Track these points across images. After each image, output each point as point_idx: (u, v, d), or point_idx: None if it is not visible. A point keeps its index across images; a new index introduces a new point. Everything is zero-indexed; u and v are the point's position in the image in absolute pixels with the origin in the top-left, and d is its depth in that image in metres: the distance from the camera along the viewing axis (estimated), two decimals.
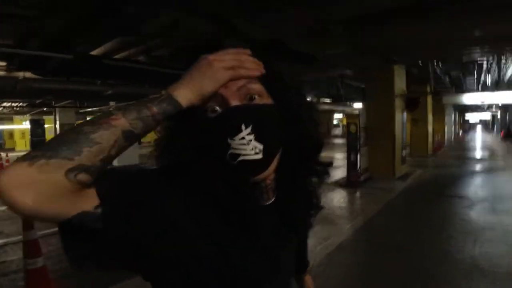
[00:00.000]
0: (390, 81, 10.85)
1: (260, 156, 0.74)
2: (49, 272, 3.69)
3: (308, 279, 1.28)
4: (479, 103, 19.84)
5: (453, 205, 7.82)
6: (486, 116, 52.83)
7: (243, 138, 0.73)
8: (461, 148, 23.99)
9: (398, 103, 11.25)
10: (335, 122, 44.47)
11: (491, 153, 20.36)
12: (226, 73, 0.72)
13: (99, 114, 0.70)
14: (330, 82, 15.49)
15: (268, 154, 0.76)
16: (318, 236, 5.47)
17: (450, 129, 32.08)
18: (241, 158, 0.73)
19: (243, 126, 0.73)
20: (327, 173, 0.92)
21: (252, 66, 0.74)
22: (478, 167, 14.32)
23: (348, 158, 10.05)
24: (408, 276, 4.26)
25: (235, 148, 0.73)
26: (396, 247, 5.26)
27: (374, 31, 6.92)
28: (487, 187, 9.73)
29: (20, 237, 3.96)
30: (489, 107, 37.92)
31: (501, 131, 35.13)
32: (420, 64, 11.15)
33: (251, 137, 0.73)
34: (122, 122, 0.64)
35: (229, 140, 0.73)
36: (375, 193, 9.00)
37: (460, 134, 39.54)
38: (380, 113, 10.93)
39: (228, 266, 0.74)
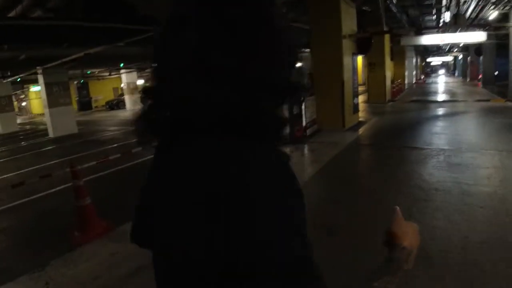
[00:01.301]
0: (337, 20, 9.52)
1: None
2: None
3: None
4: (439, 43, 18.83)
5: (402, 161, 6.86)
6: (449, 58, 52.83)
7: None
8: (422, 92, 23.33)
9: (348, 45, 10.01)
10: None
11: (451, 96, 19.74)
12: None
13: None
14: None
15: None
16: None
17: (411, 72, 31.46)
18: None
19: None
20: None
21: None
22: (436, 111, 13.54)
23: (290, 110, 8.86)
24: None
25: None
26: (323, 225, 4.21)
27: None
28: (443, 135, 8.86)
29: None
30: (451, 49, 37.45)
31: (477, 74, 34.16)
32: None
33: None
34: None
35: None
36: (319, 149, 7.96)
37: (422, 77, 39.06)
38: (327, 57, 9.67)
39: None
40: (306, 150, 8.01)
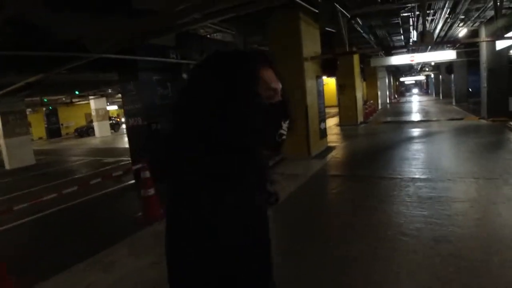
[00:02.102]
0: (297, 42, 8.93)
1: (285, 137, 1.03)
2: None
3: None
4: (408, 62, 18.62)
5: (368, 195, 6.12)
6: (422, 77, 53.68)
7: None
8: (395, 113, 23.04)
9: (311, 67, 9.40)
10: None
11: (425, 115, 19.42)
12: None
13: None
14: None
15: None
16: None
17: (384, 93, 31.45)
18: (283, 137, 1.01)
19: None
20: None
21: None
22: (409, 133, 13.02)
23: None
24: None
25: (283, 129, 1.01)
26: None
27: None
28: (414, 161, 8.21)
29: None
30: (423, 68, 37.87)
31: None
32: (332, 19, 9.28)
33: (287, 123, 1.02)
34: None
35: (282, 123, 1.00)
36: (280, 181, 7.16)
37: (395, 97, 39.22)
38: (288, 80, 8.85)
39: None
40: None
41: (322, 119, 10.25)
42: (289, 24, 8.99)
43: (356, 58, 16.64)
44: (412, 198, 5.47)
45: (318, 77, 10.02)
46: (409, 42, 16.65)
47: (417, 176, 6.71)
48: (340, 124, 16.64)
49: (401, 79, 53.76)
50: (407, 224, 4.49)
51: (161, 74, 8.66)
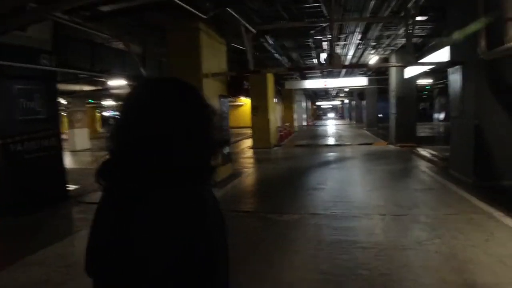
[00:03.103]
0: (196, 56, 7.88)
1: None
2: None
3: None
4: (322, 86, 18.64)
5: (258, 241, 5.09)
6: (337, 102, 56.15)
7: None
8: (309, 136, 23.00)
9: (213, 85, 8.38)
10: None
11: (337, 139, 19.46)
12: None
13: None
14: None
15: None
16: None
17: (300, 116, 31.75)
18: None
19: None
20: None
21: None
22: (319, 158, 12.55)
23: None
24: None
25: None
26: None
27: None
28: (319, 192, 7.47)
29: None
30: (337, 94, 39.30)
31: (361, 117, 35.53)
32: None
33: None
34: None
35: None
36: None
37: (312, 120, 40.07)
38: None
39: None
40: None
41: (226, 142, 9.20)
42: (188, 35, 7.93)
43: (270, 79, 16.10)
44: (311, 243, 4.55)
45: (222, 96, 9.02)
46: (320, 63, 16.56)
47: (321, 212, 5.88)
48: (254, 147, 15.84)
49: (318, 103, 55.73)
50: (299, 285, 3.50)
51: (27, 83, 7.00)
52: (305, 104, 36.65)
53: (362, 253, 4.14)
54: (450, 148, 8.74)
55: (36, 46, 7.10)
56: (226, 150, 9.18)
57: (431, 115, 31.17)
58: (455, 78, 8.07)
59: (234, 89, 9.37)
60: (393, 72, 14.63)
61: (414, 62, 8.52)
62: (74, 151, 18.62)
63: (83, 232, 5.39)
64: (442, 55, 9.04)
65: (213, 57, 8.54)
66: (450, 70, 8.32)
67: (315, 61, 15.80)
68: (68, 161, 15.86)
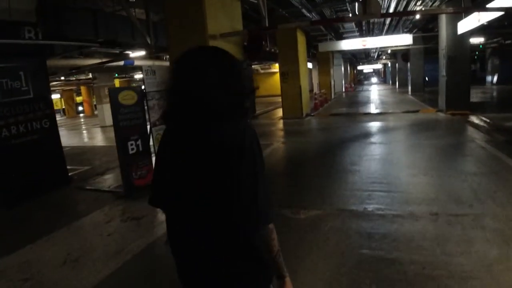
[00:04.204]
0: (199, 10, 6.52)
1: None
2: None
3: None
4: (360, 47, 16.64)
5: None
6: (379, 66, 52.73)
7: None
8: (348, 103, 21.13)
9: (225, 47, 6.99)
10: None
11: (378, 107, 17.58)
12: None
13: None
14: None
15: None
16: None
17: (339, 81, 29.69)
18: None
19: None
20: None
21: None
22: (356, 129, 11.00)
23: (122, 150, 5.69)
24: None
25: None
26: None
27: None
28: (352, 177, 6.09)
29: None
30: (379, 56, 36.49)
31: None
32: None
33: None
34: None
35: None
36: (153, 213, 4.82)
37: (351, 86, 37.63)
38: None
39: None
40: (140, 213, 4.84)
41: None
42: None
43: (301, 41, 14.44)
44: (329, 264, 3.26)
45: (241, 61, 7.66)
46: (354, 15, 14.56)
47: (351, 207, 4.54)
48: (284, 117, 14.47)
49: (359, 68, 52.69)
50: None
51: (9, 61, 6.01)
52: (344, 68, 34.31)
53: (403, 284, 2.83)
54: None
55: (17, 18, 6.11)
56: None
57: (482, 78, 28.13)
58: None
59: (252, 53, 7.95)
60: (443, 27, 12.51)
61: (475, 7, 6.67)
62: (104, 127, 18.13)
63: (62, 231, 4.45)
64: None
65: (223, 15, 7.17)
66: None
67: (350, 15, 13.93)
68: (98, 138, 15.38)
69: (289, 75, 13.99)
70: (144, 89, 5.88)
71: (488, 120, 9.71)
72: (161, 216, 4.56)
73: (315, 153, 8.13)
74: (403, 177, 5.74)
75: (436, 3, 11.98)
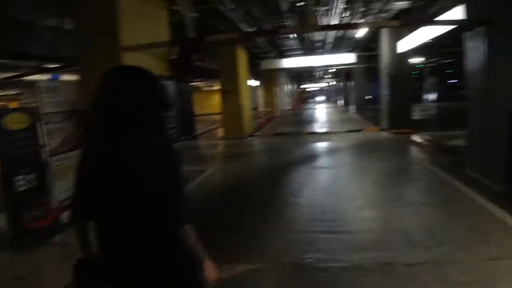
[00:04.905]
0: (111, 17, 5.51)
1: None
2: None
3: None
4: (303, 65, 16.31)
5: None
6: (324, 84, 53.83)
7: None
8: (292, 122, 20.60)
9: (145, 62, 5.99)
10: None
11: (322, 125, 17.21)
12: None
13: None
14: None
15: None
16: None
17: (284, 100, 29.47)
18: None
19: None
20: None
21: None
22: (299, 151, 10.33)
23: (7, 186, 4.47)
24: None
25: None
26: None
27: None
28: (291, 212, 5.27)
29: None
30: (324, 75, 37.00)
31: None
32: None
33: None
34: None
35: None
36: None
37: (298, 104, 37.64)
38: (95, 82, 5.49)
39: None
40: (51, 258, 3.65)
41: None
42: None
43: (242, 58, 13.72)
44: None
45: (163, 77, 6.66)
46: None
47: (289, 259, 3.65)
48: (225, 137, 13.57)
49: (304, 86, 53.38)
50: None
51: None
52: (289, 87, 34.30)
53: None
54: (467, 140, 6.60)
55: None
56: None
57: (420, 96, 29.15)
58: (475, 45, 5.88)
59: (182, 67, 7.00)
60: (384, 47, 12.39)
61: (426, 20, 6.23)
62: None
63: None
64: (452, 16, 6.86)
65: (144, 23, 6.18)
66: (467, 35, 6.11)
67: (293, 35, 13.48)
68: None
69: (230, 93, 13.17)
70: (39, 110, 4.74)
71: (431, 139, 9.45)
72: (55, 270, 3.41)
73: (253, 181, 7.23)
74: (349, 212, 4.97)
75: (379, 21, 11.79)
